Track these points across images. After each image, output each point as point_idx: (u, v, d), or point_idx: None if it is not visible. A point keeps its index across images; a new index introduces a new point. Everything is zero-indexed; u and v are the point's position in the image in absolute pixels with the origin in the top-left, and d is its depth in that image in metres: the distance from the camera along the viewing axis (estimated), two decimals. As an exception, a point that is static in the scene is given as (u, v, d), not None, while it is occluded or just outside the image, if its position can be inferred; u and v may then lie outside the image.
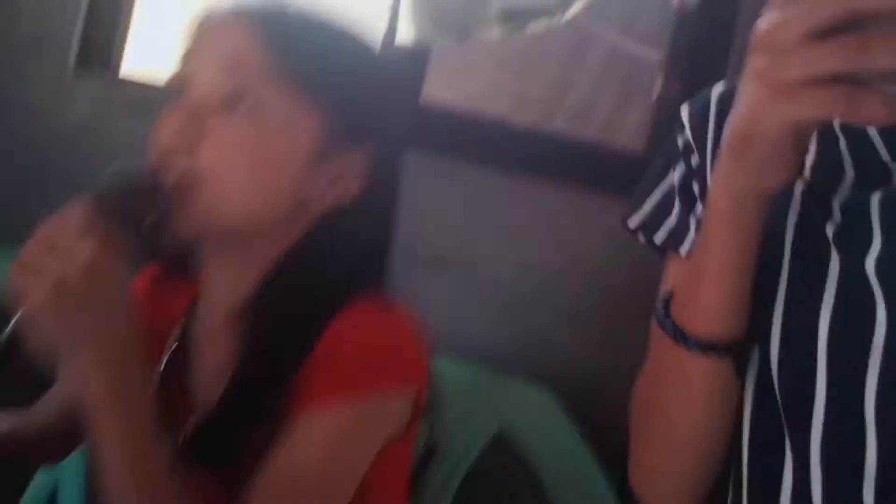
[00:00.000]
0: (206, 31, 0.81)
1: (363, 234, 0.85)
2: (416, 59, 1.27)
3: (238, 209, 0.79)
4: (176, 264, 0.89)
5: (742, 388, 0.68)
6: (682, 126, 0.76)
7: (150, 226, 0.75)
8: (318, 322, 0.79)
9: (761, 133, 0.53)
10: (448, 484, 1.26)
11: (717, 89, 0.75)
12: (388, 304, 0.84)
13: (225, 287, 0.85)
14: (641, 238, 0.81)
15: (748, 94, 0.53)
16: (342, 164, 0.81)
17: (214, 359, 0.85)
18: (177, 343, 0.89)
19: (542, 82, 1.38)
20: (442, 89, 1.25)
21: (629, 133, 1.35)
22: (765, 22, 0.50)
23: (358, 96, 0.82)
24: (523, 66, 1.37)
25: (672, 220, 0.78)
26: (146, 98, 1.50)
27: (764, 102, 0.51)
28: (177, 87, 0.80)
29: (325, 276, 0.82)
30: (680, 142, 0.77)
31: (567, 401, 1.27)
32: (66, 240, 0.70)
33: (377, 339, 0.80)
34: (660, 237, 0.79)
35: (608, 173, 1.31)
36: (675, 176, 0.77)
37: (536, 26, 1.31)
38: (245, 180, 0.79)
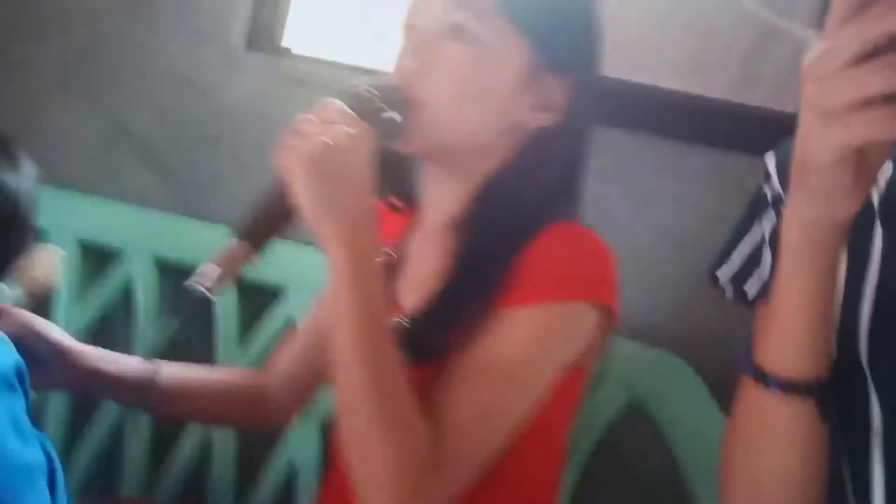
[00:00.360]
0: None
1: (563, 157, 0.94)
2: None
3: (458, 126, 0.91)
4: (398, 189, 1.00)
5: (829, 434, 0.66)
6: (769, 176, 0.76)
7: (392, 131, 0.87)
8: (522, 235, 0.88)
9: (816, 161, 0.53)
10: (578, 452, 1.25)
11: None
12: (585, 228, 0.92)
13: (440, 202, 0.96)
14: (730, 291, 0.81)
15: (802, 123, 0.53)
16: (546, 90, 0.91)
17: (424, 267, 0.95)
18: (389, 256, 1.00)
19: (685, 49, 1.33)
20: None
21: (765, 94, 1.28)
22: (812, 52, 0.50)
23: (562, 29, 0.92)
24: (662, 32, 1.33)
25: (763, 272, 0.76)
26: (308, 70, 1.59)
27: (814, 130, 0.51)
28: (407, 28, 0.93)
29: (529, 194, 0.92)
30: (768, 192, 0.76)
31: (703, 370, 1.23)
32: (332, 116, 0.82)
33: (577, 253, 0.89)
34: (751, 289, 0.78)
35: (747, 133, 1.25)
36: (766, 226, 0.76)
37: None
38: (465, 101, 0.90)
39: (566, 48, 0.93)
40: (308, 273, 1.44)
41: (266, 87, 1.61)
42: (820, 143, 0.51)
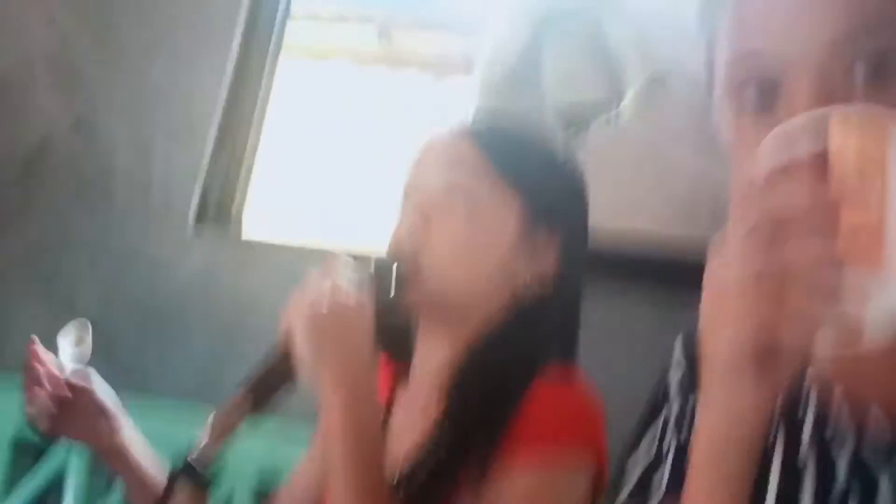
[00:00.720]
0: (430, 148, 0.98)
1: (557, 310, 0.96)
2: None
3: (457, 282, 0.93)
4: (393, 344, 0.99)
5: None
6: (678, 363, 0.76)
7: (390, 299, 0.90)
8: (517, 387, 0.88)
9: (718, 354, 0.53)
10: None
11: None
12: (578, 377, 0.93)
13: (433, 352, 0.96)
14: (634, 484, 0.75)
15: (702, 309, 0.54)
16: (539, 246, 0.95)
17: (415, 420, 0.94)
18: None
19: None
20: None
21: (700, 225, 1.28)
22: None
23: (551, 189, 0.97)
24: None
25: (668, 463, 0.73)
26: (257, 254, 1.59)
27: (712, 313, 0.52)
28: (406, 192, 0.97)
29: (524, 346, 0.92)
30: (677, 375, 0.76)
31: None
32: (336, 279, 0.86)
33: (568, 407, 0.88)
34: (657, 482, 0.73)
35: (684, 267, 1.22)
36: (673, 409, 0.75)
37: (595, 126, 1.29)
38: (464, 258, 0.93)
39: (556, 205, 0.97)
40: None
41: (216, 264, 1.62)
42: (719, 329, 0.52)
